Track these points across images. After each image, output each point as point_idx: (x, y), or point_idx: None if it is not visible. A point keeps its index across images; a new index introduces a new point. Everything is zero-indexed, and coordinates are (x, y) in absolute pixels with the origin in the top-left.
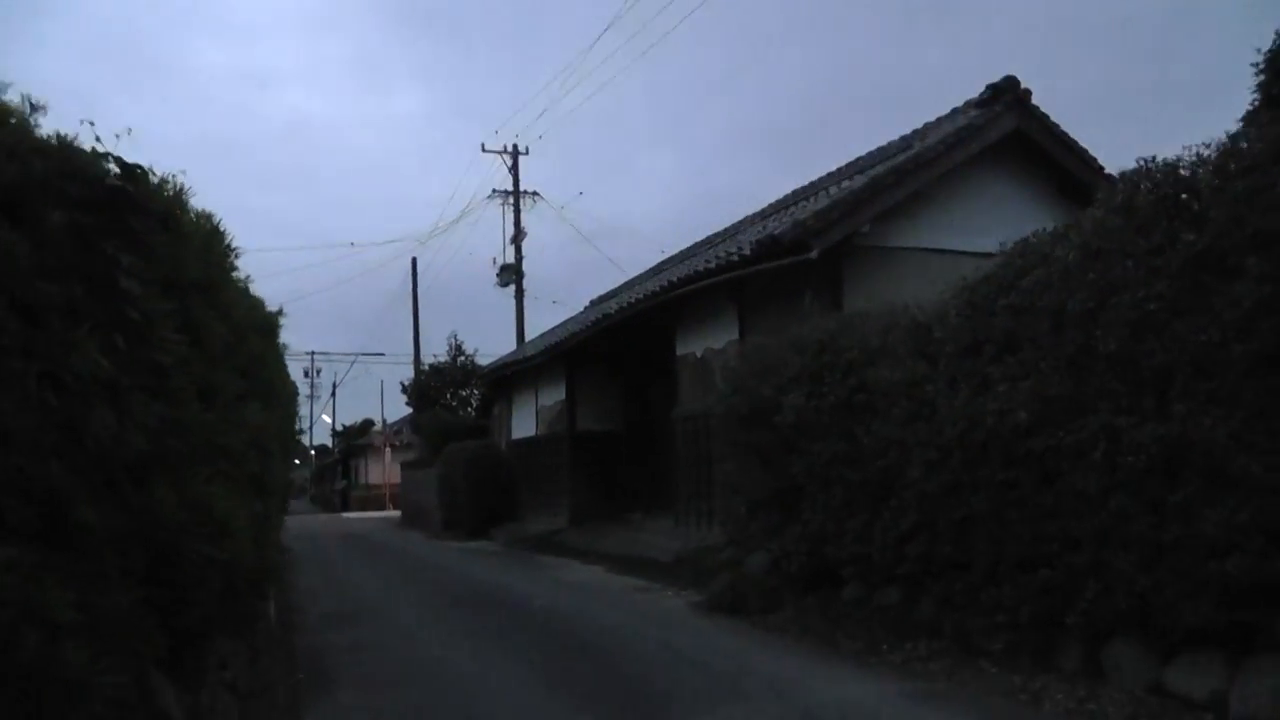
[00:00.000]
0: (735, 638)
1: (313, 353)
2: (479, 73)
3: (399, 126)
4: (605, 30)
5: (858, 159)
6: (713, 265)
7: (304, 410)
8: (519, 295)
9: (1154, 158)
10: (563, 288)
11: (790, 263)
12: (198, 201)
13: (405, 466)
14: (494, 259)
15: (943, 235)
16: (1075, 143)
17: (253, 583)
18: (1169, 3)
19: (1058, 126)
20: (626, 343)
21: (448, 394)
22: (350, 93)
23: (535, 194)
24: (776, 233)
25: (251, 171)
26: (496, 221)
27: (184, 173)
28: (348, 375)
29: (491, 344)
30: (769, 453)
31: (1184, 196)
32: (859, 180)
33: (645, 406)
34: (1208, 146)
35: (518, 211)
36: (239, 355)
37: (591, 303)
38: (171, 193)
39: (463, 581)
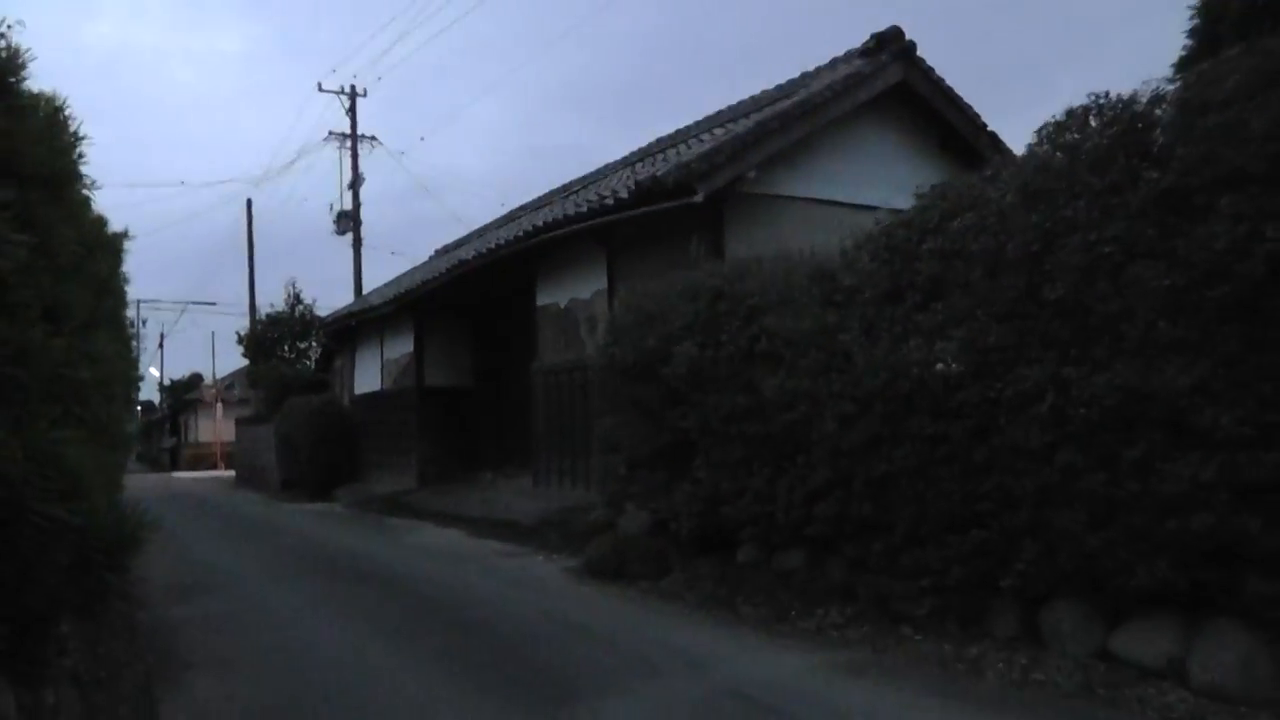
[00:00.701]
0: (626, 606)
1: (139, 301)
2: (308, 10)
3: (226, 64)
4: None
5: (728, 106)
6: (584, 209)
7: None
8: (357, 244)
9: (1106, 93)
10: (401, 240)
11: (672, 206)
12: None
13: (240, 423)
14: (331, 205)
15: (826, 186)
16: (959, 98)
17: (108, 552)
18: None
19: (943, 80)
20: (481, 293)
21: (286, 346)
22: (172, 24)
23: (374, 139)
24: (659, 174)
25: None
26: (333, 167)
27: (22, 23)
28: (177, 326)
29: (329, 296)
30: (655, 407)
31: (1145, 132)
32: (739, 125)
33: (499, 361)
34: (1171, 82)
35: (355, 155)
36: (89, 273)
37: (437, 252)
38: (3, 54)
39: (315, 547)
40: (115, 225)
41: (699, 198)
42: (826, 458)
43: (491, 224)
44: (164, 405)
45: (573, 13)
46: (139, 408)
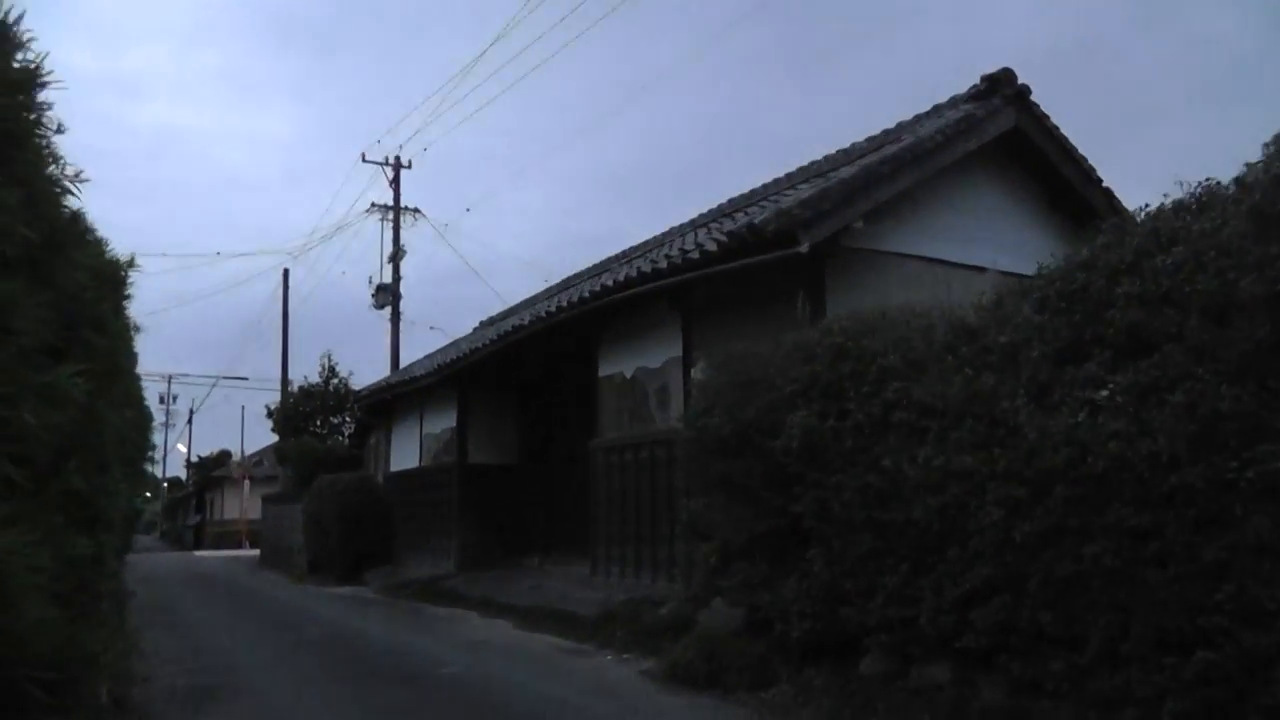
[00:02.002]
0: None
1: (170, 376)
2: (352, 96)
3: (270, 145)
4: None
5: (817, 160)
6: (663, 265)
7: (158, 439)
8: (395, 317)
9: None
10: (440, 320)
11: (772, 259)
12: None
13: (267, 500)
14: (370, 278)
15: (933, 243)
16: (1074, 148)
17: (55, 685)
18: None
19: (1057, 129)
20: (531, 364)
21: (318, 420)
22: (219, 106)
23: (417, 210)
24: (756, 221)
25: (118, 186)
26: (374, 243)
27: None
28: (206, 400)
29: (366, 375)
30: (755, 487)
31: None
32: (834, 177)
33: (549, 437)
34: None
35: (397, 227)
36: (54, 275)
37: (481, 324)
38: None
39: (347, 640)
40: (143, 308)
41: (804, 248)
42: (989, 552)
43: (541, 294)
44: (191, 482)
45: (610, 100)
46: (164, 485)
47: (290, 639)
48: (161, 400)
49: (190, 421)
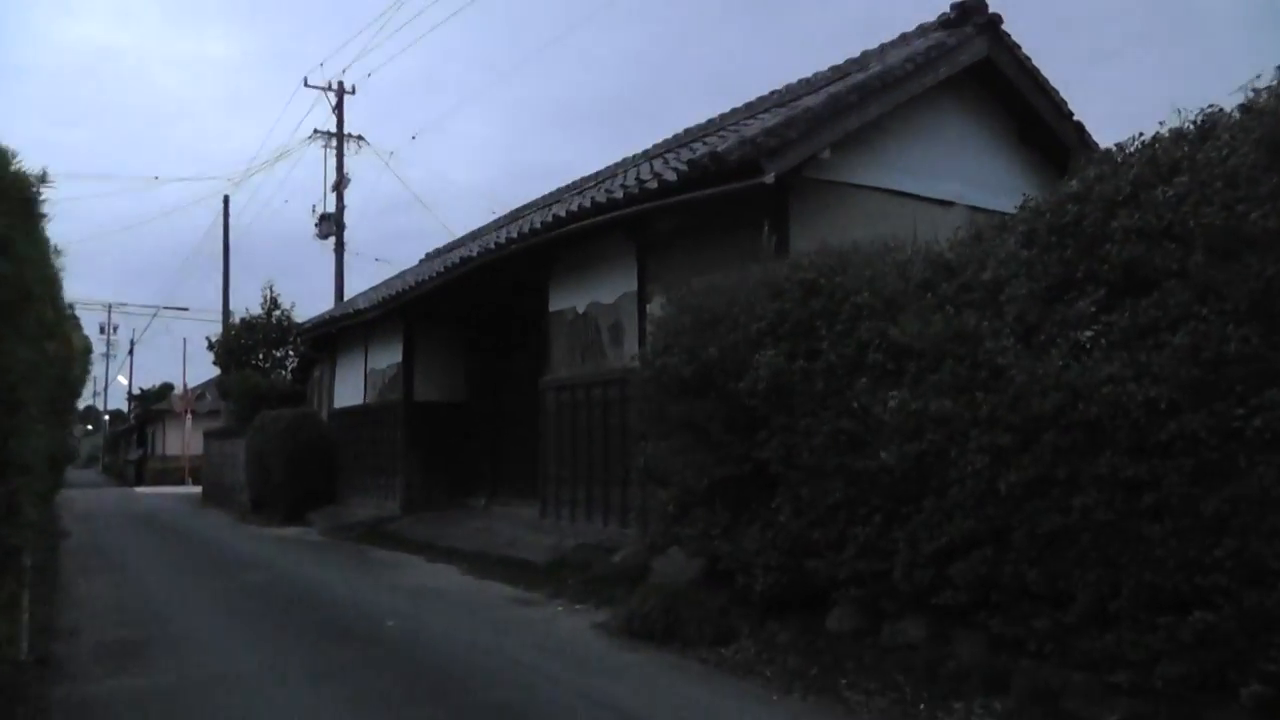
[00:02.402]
0: (691, 686)
1: (110, 305)
2: (297, 20)
3: (211, 68)
4: None
5: (778, 89)
6: (619, 195)
7: (98, 370)
8: (339, 248)
9: None
10: (386, 252)
11: (735, 189)
12: None
13: (209, 436)
14: (313, 207)
15: (900, 176)
16: (1046, 80)
17: None
18: None
19: (1029, 59)
20: (480, 298)
21: (261, 354)
22: (157, 26)
23: (361, 138)
24: (719, 150)
25: (50, 104)
26: (317, 172)
27: None
28: (147, 331)
29: (310, 307)
30: (718, 430)
31: None
32: (800, 106)
33: (498, 374)
34: None
35: (340, 154)
36: None
37: (428, 255)
38: None
39: (287, 587)
40: (81, 231)
41: (768, 178)
42: (970, 503)
43: (490, 225)
44: (132, 415)
45: (555, 29)
46: (106, 418)
47: (228, 586)
48: (102, 330)
49: (131, 353)
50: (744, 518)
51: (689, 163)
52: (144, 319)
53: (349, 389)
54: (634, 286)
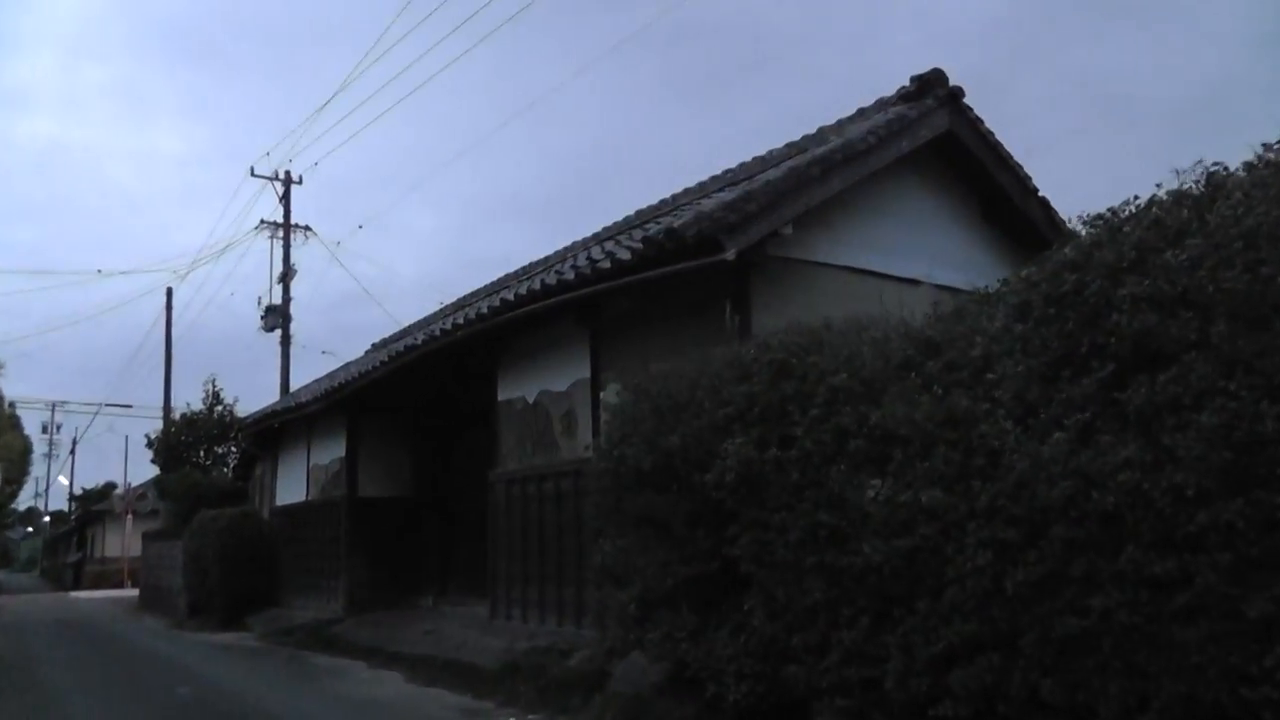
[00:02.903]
0: None
1: (53, 404)
2: (247, 114)
3: (163, 162)
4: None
5: (732, 168)
6: (570, 277)
7: (40, 470)
8: (285, 341)
9: None
10: (333, 344)
11: (693, 266)
12: None
13: (147, 538)
14: (259, 299)
15: (865, 254)
16: (1009, 155)
17: None
18: None
19: (991, 134)
20: (426, 388)
21: (202, 451)
22: (109, 121)
23: (308, 228)
24: (676, 225)
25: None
26: (263, 261)
27: None
28: (91, 430)
29: (256, 402)
30: (681, 526)
31: None
32: (767, 175)
33: (446, 467)
34: None
35: (287, 245)
36: None
37: (374, 346)
38: None
39: (217, 704)
40: (22, 328)
41: (729, 254)
42: (972, 604)
43: (436, 314)
44: (73, 516)
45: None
46: (46, 520)
47: (158, 704)
48: (44, 430)
49: (73, 452)
50: (713, 621)
51: (644, 240)
52: (87, 417)
53: (291, 486)
54: (587, 373)
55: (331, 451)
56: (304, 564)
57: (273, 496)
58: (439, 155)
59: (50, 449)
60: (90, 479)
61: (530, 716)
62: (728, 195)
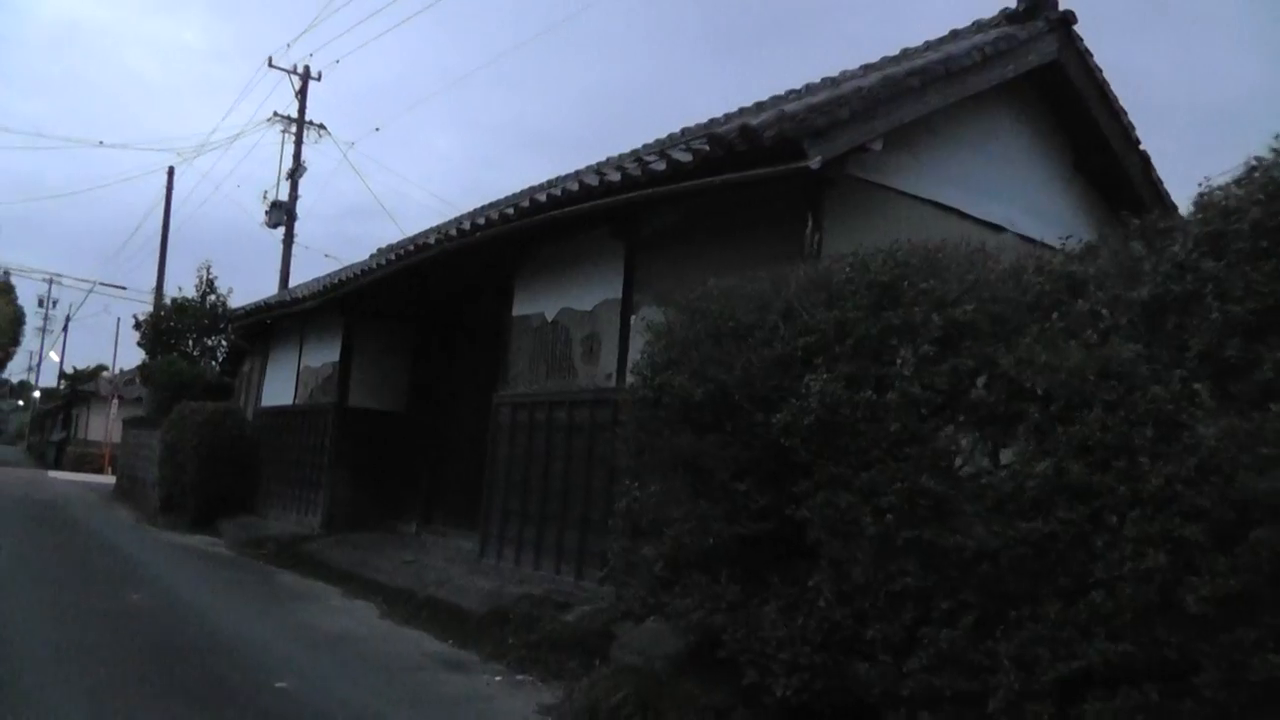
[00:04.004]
0: None
1: (51, 278)
2: (274, 15)
3: (183, 54)
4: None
5: (792, 90)
6: (615, 178)
7: (34, 345)
8: (288, 238)
9: None
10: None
11: (770, 174)
12: None
13: (128, 424)
14: (265, 193)
15: (946, 189)
16: (1115, 98)
17: None
18: None
19: (1099, 70)
20: (434, 295)
21: (191, 339)
22: (132, 6)
23: (322, 126)
24: (754, 123)
25: (15, 74)
26: (272, 157)
27: None
28: (84, 308)
29: (250, 298)
30: (732, 476)
31: None
32: (856, 84)
33: (446, 384)
34: None
35: (299, 140)
36: None
37: (379, 251)
38: None
39: (172, 621)
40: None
41: (814, 163)
42: (1127, 617)
43: (450, 222)
44: (62, 395)
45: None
46: (36, 394)
47: (101, 611)
48: (40, 304)
49: (66, 329)
50: (760, 594)
51: (711, 139)
52: (82, 293)
53: (279, 387)
54: (618, 293)
55: (324, 355)
56: (284, 471)
57: (259, 396)
58: (462, 74)
59: (45, 323)
60: (84, 359)
61: (518, 677)
62: (812, 99)
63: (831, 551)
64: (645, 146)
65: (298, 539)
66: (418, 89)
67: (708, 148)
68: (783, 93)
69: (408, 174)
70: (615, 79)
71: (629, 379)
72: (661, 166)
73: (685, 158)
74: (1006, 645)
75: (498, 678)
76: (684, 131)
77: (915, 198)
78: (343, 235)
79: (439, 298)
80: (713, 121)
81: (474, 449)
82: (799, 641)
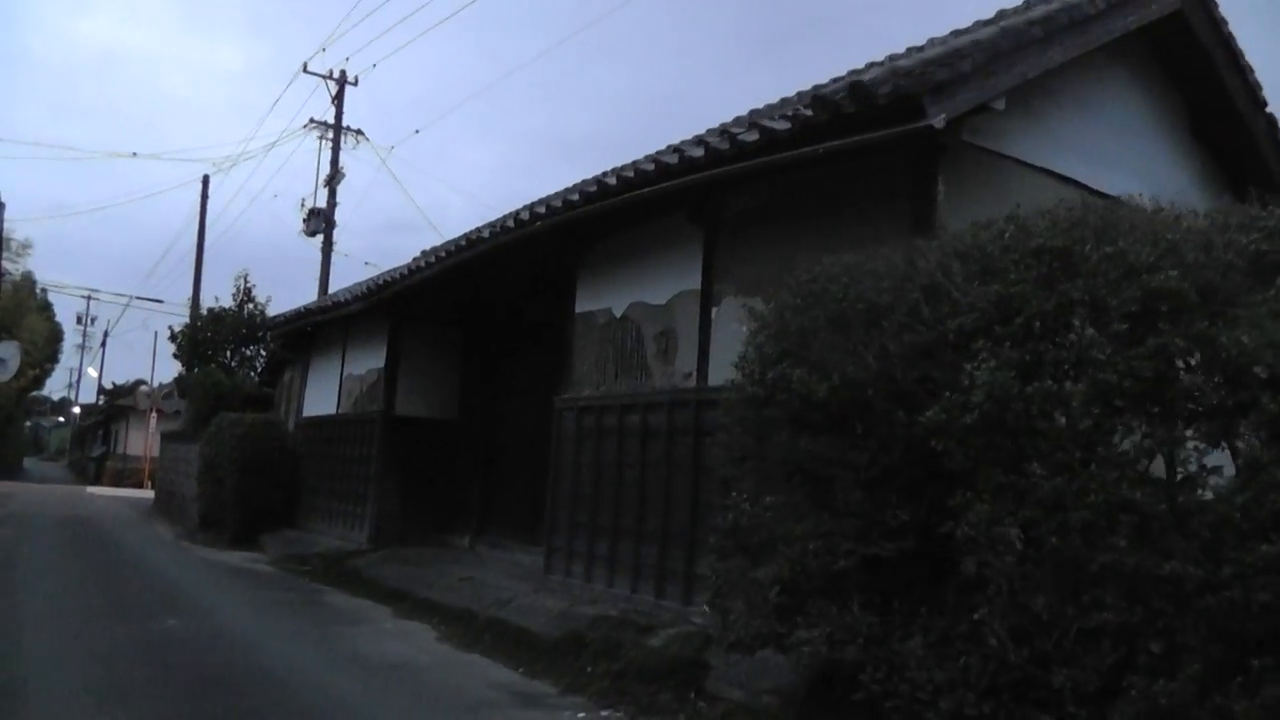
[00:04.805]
0: None
1: (89, 294)
2: (313, 34)
3: (218, 76)
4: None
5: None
6: (698, 154)
7: (73, 361)
8: (327, 246)
9: None
10: (376, 261)
11: (885, 136)
12: None
13: (166, 438)
14: (302, 201)
15: (1067, 157)
16: (1241, 53)
17: None
18: None
19: (1226, 22)
20: (485, 293)
21: (228, 350)
22: (168, 29)
23: (359, 132)
24: (866, 79)
25: (53, 100)
26: (309, 166)
27: None
28: (121, 322)
29: (290, 306)
30: (861, 485)
31: None
32: (973, 36)
33: (499, 389)
34: None
35: (336, 146)
36: None
37: (423, 254)
38: None
39: (208, 649)
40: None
41: (937, 120)
42: None
43: (496, 221)
44: (102, 410)
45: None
46: (76, 410)
47: (134, 642)
48: (79, 320)
49: (104, 344)
50: (903, 626)
51: (815, 102)
52: (120, 309)
53: (321, 396)
54: (695, 284)
55: (368, 361)
56: (328, 484)
57: (300, 406)
58: (492, 81)
59: (84, 340)
60: (122, 374)
61: (605, 713)
62: (928, 52)
63: (1000, 575)
64: (710, 130)
65: (344, 554)
66: (452, 99)
67: (810, 112)
68: (861, 65)
69: (445, 187)
70: (645, 83)
71: (728, 375)
72: (753, 137)
73: (781, 126)
74: (1246, 703)
75: (581, 714)
76: (752, 112)
77: (1033, 167)
78: (381, 249)
79: (491, 297)
80: (784, 101)
81: (532, 457)
82: (961, 686)
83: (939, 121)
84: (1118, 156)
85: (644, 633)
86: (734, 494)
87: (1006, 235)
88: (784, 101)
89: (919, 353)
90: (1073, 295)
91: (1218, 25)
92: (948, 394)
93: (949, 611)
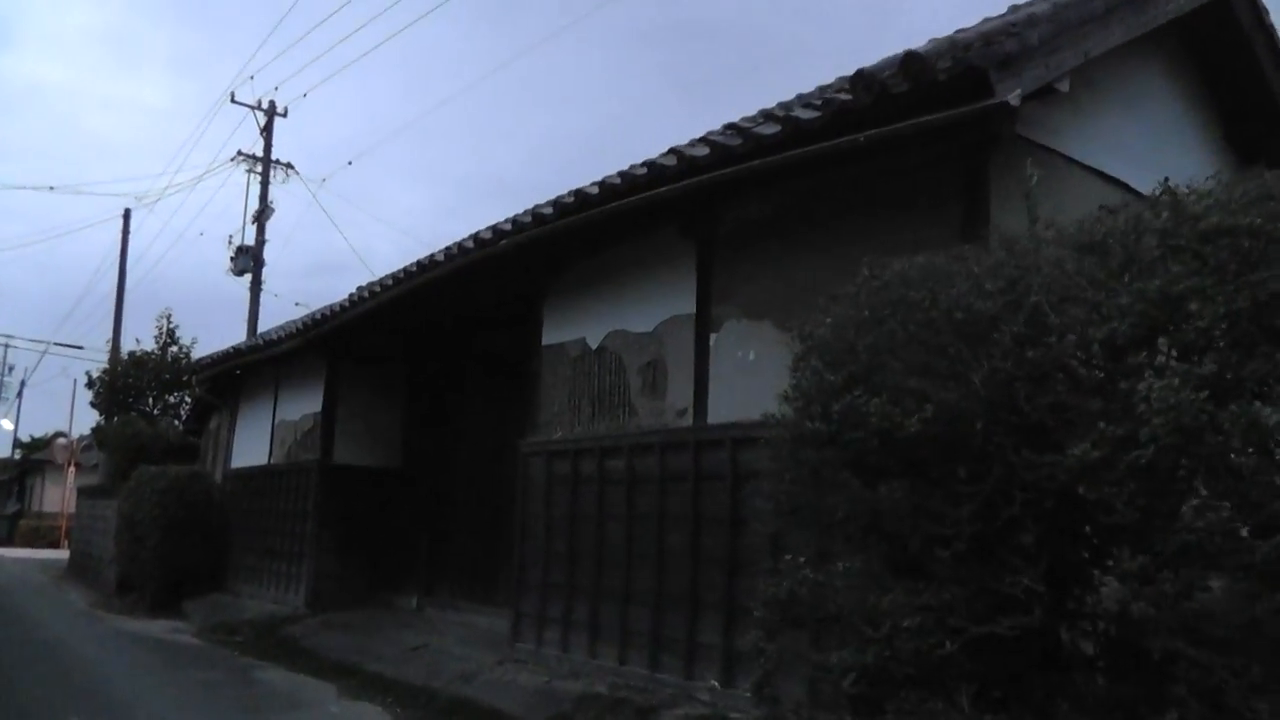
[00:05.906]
0: None
1: (3, 342)
2: (239, 75)
3: (142, 114)
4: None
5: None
6: (701, 153)
7: None
8: (255, 285)
9: None
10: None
11: (949, 117)
12: None
13: (81, 494)
14: (230, 238)
15: (1112, 156)
16: None
17: None
18: None
19: (1268, 13)
20: (433, 328)
21: (150, 397)
22: (93, 67)
23: (289, 165)
24: (922, 49)
25: None
26: (235, 207)
27: None
28: (39, 370)
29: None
30: (969, 542)
31: None
32: (1032, 9)
33: (449, 433)
34: None
35: (265, 180)
36: None
37: (361, 288)
38: None
39: None
40: None
41: (1011, 97)
42: None
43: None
44: (15, 465)
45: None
46: None
47: None
48: None
49: (20, 394)
50: None
51: (857, 80)
52: (36, 355)
53: (251, 445)
54: (689, 307)
55: (304, 406)
56: (260, 541)
57: (229, 456)
58: (418, 116)
59: (0, 390)
60: (39, 427)
61: None
62: (983, 27)
63: (1187, 666)
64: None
65: (278, 621)
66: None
67: (849, 95)
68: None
69: (372, 228)
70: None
71: (737, 411)
72: (772, 130)
73: (808, 115)
74: None
75: None
76: (744, 118)
77: (1085, 167)
78: (310, 290)
79: (440, 329)
80: (799, 98)
81: (485, 507)
82: None
83: (1014, 98)
84: (1152, 158)
85: (646, 716)
86: (788, 556)
87: (1165, 215)
88: (782, 105)
89: (1051, 364)
90: (1273, 287)
91: (1260, 16)
92: (1102, 425)
93: (1089, 710)
